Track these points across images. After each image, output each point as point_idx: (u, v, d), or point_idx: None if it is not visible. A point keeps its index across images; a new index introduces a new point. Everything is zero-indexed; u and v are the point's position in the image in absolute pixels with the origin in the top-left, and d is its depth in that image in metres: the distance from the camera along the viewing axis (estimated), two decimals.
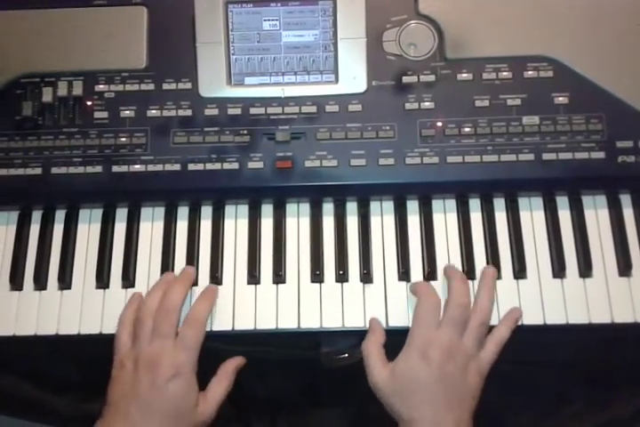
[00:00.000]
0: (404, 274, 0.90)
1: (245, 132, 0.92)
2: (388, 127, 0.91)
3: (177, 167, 0.91)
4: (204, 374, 0.84)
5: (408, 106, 0.92)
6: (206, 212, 0.94)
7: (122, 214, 0.94)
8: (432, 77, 0.92)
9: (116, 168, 0.91)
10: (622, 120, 0.90)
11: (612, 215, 0.91)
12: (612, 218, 0.91)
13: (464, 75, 0.92)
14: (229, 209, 0.94)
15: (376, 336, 0.86)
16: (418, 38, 0.92)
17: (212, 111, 0.92)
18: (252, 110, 0.92)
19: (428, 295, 0.84)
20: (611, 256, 0.90)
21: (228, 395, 0.85)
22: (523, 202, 0.93)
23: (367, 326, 0.87)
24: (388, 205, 0.93)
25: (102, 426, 0.80)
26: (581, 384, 0.95)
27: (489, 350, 0.83)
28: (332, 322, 0.88)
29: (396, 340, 0.85)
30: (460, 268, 0.89)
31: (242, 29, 0.93)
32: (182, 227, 0.94)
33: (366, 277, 0.90)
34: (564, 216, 0.92)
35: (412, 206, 0.93)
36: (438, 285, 0.88)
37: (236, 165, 0.91)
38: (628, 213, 0.91)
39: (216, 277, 0.90)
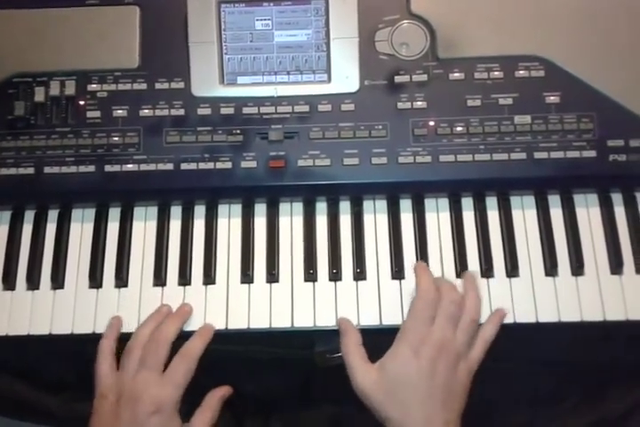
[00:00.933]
0: (397, 273, 0.90)
1: (238, 131, 0.92)
2: (380, 126, 0.92)
3: (170, 167, 0.91)
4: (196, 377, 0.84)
5: (400, 105, 0.92)
6: (199, 211, 0.94)
7: (115, 214, 0.94)
8: (424, 77, 0.92)
9: (108, 168, 0.91)
10: (613, 119, 0.91)
11: (604, 214, 0.92)
12: (603, 216, 0.92)
13: (456, 74, 0.92)
14: (222, 208, 0.94)
15: (351, 337, 0.85)
16: (410, 38, 0.93)
17: (204, 111, 0.92)
18: (245, 110, 0.92)
19: (428, 291, 0.84)
20: (602, 254, 0.90)
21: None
22: (515, 201, 0.93)
23: (361, 324, 0.87)
24: (381, 204, 0.94)
25: None
26: (575, 382, 0.95)
27: (477, 349, 0.83)
28: (326, 321, 0.88)
29: (389, 338, 0.85)
30: (452, 266, 0.90)
31: (234, 29, 0.93)
32: (175, 226, 0.94)
33: (360, 276, 0.90)
34: (556, 215, 0.92)
35: (405, 205, 0.93)
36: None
37: (228, 165, 0.91)
38: (620, 212, 0.92)
39: (209, 277, 0.90)
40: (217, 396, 0.86)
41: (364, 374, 0.81)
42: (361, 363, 0.82)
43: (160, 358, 0.83)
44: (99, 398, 0.82)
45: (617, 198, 0.93)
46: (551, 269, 0.89)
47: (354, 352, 0.83)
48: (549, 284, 0.89)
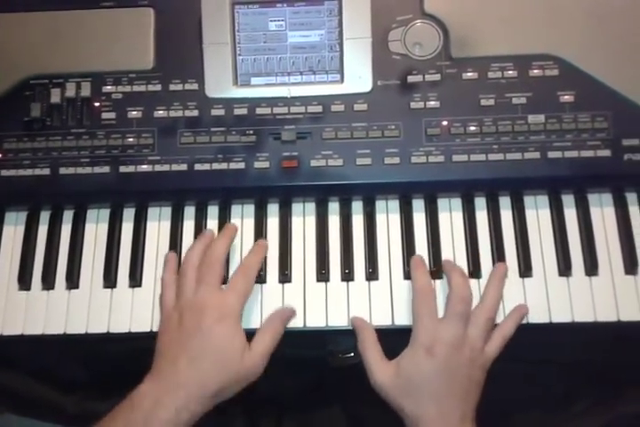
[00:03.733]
0: (409, 273, 0.89)
1: (251, 132, 0.92)
2: (393, 126, 0.91)
3: (184, 167, 0.92)
4: None
5: (413, 105, 0.92)
6: (213, 211, 0.95)
7: (129, 214, 0.95)
8: (437, 76, 0.92)
9: (123, 168, 0.92)
10: (628, 118, 0.90)
11: (618, 213, 0.91)
12: (617, 216, 0.91)
13: (469, 74, 0.92)
14: (236, 208, 0.95)
15: (367, 334, 0.85)
16: (423, 38, 0.93)
17: (218, 111, 0.93)
18: (259, 110, 0.93)
19: (423, 287, 0.84)
20: (617, 254, 0.90)
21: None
22: (528, 200, 0.93)
23: (373, 324, 0.87)
24: (394, 204, 0.94)
25: (150, 376, 0.80)
26: (588, 383, 0.94)
27: (494, 344, 0.83)
28: (338, 321, 0.88)
29: (403, 338, 0.85)
30: (465, 266, 0.89)
31: (248, 30, 0.93)
32: (189, 226, 0.94)
33: (372, 276, 0.90)
34: (570, 214, 0.92)
35: (418, 205, 0.93)
36: (444, 283, 0.88)
37: (242, 165, 0.91)
38: (634, 211, 0.91)
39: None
40: (278, 315, 0.86)
41: (381, 370, 0.82)
42: (378, 360, 0.83)
43: (217, 274, 0.85)
44: (164, 321, 0.84)
45: (632, 198, 0.92)
46: (565, 269, 0.89)
47: (371, 349, 0.84)
48: (563, 284, 0.89)
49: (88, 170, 0.92)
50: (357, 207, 0.94)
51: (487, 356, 0.83)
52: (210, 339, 0.80)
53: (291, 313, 0.87)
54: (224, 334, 0.81)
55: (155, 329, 0.88)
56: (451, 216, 0.93)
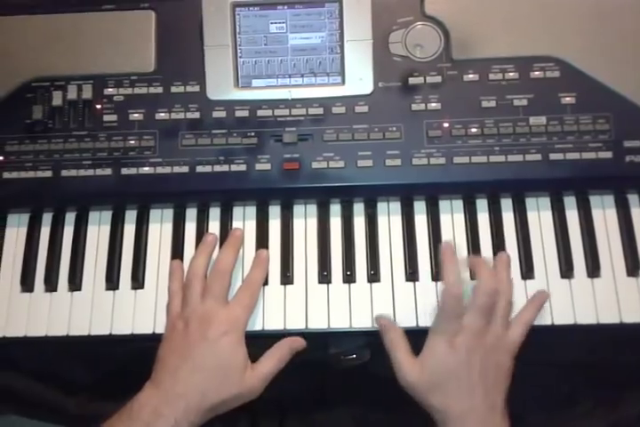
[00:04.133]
0: (411, 275, 0.90)
1: (253, 134, 0.92)
2: (394, 128, 0.91)
3: (185, 169, 0.92)
4: None
5: (414, 107, 0.92)
6: (214, 213, 0.95)
7: (131, 216, 0.95)
8: (438, 78, 0.92)
9: (125, 171, 0.92)
10: (629, 120, 0.90)
11: (620, 215, 0.91)
12: (619, 218, 0.91)
13: (470, 75, 0.92)
14: (237, 210, 0.95)
15: (394, 332, 0.84)
16: (424, 39, 0.93)
17: (219, 114, 0.93)
18: (260, 112, 0.93)
19: (454, 285, 0.83)
20: (619, 256, 0.90)
21: None
22: (530, 202, 0.93)
23: (375, 326, 0.86)
24: (396, 206, 0.94)
25: (150, 384, 0.80)
26: (590, 384, 0.94)
27: (516, 330, 0.83)
28: (340, 323, 0.88)
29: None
30: (467, 268, 0.89)
31: (249, 32, 0.94)
32: (191, 228, 0.94)
33: (373, 278, 0.90)
34: (572, 216, 0.92)
35: (420, 207, 0.93)
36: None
37: (243, 167, 0.91)
38: (636, 213, 0.91)
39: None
40: (287, 343, 0.86)
41: (409, 368, 0.82)
42: (406, 357, 0.82)
43: (224, 286, 0.85)
44: (168, 328, 0.84)
45: (633, 200, 0.92)
46: (567, 271, 0.89)
47: (399, 347, 0.83)
48: (565, 286, 0.89)
49: (90, 172, 0.92)
50: (359, 209, 0.94)
51: (511, 340, 0.82)
52: (214, 351, 0.80)
53: (300, 344, 0.86)
54: (229, 348, 0.81)
55: (157, 331, 0.89)
56: (452, 218, 0.93)
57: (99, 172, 0.92)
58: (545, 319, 0.87)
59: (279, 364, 0.84)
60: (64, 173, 0.92)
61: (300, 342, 0.86)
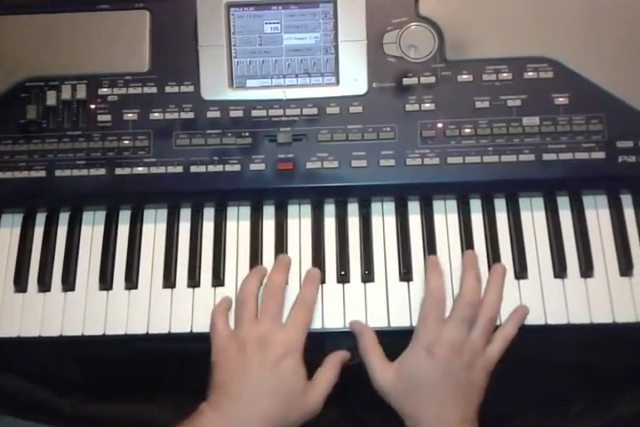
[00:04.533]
0: (405, 274, 0.90)
1: (247, 134, 0.92)
2: (388, 128, 0.92)
3: (179, 169, 0.92)
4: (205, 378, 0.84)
5: (409, 107, 0.92)
6: (209, 213, 0.95)
7: (125, 216, 0.95)
8: (432, 79, 0.92)
9: (119, 170, 0.92)
10: (622, 120, 0.90)
11: (613, 215, 0.92)
12: (612, 218, 0.91)
13: (464, 76, 0.92)
14: (231, 211, 0.95)
15: (368, 336, 0.85)
16: (418, 40, 0.93)
17: (214, 114, 0.93)
18: (254, 112, 0.93)
19: (435, 291, 0.84)
20: (612, 256, 0.90)
21: None
22: (523, 202, 0.93)
23: (369, 325, 0.87)
24: (390, 206, 0.94)
25: (211, 409, 0.80)
26: (584, 384, 0.94)
27: (496, 346, 0.83)
28: (334, 323, 0.88)
29: (398, 340, 0.85)
30: (460, 268, 0.89)
31: (243, 32, 0.94)
32: (185, 228, 0.94)
33: (368, 278, 0.90)
34: (565, 216, 0.92)
35: (413, 207, 0.93)
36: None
37: (237, 167, 0.91)
38: (629, 213, 0.91)
39: (219, 279, 0.91)
40: (338, 357, 0.86)
41: (382, 372, 0.83)
42: (379, 362, 0.83)
43: (280, 306, 0.85)
44: (218, 352, 0.83)
45: (626, 200, 0.92)
46: (560, 271, 0.89)
47: (372, 351, 0.84)
48: (558, 286, 0.89)
49: (84, 172, 0.92)
50: (353, 209, 0.94)
51: (489, 358, 0.83)
52: (275, 375, 0.80)
53: (347, 356, 0.87)
54: (289, 371, 0.81)
55: (151, 331, 0.89)
56: (446, 218, 0.93)
57: (93, 172, 0.92)
58: (538, 319, 0.87)
59: (334, 379, 0.85)
60: (58, 172, 0.92)
61: (347, 355, 0.87)
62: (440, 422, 0.79)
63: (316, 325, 0.88)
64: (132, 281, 0.91)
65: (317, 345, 0.89)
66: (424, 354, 0.81)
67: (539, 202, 0.93)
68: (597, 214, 0.92)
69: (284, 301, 0.86)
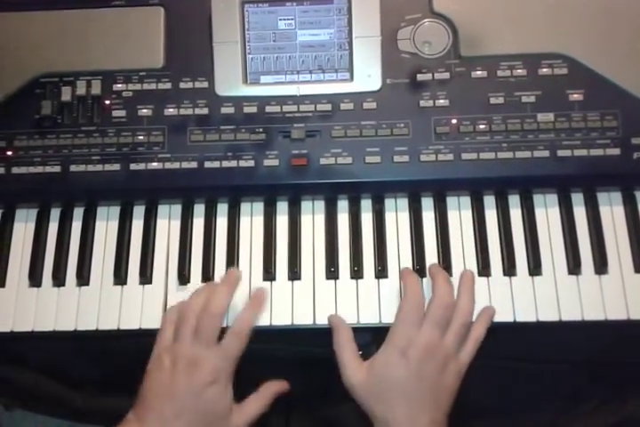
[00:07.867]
0: (418, 271, 0.90)
1: (261, 130, 0.93)
2: (402, 125, 0.92)
3: (194, 165, 0.92)
4: None
5: (422, 103, 0.92)
6: (222, 209, 0.95)
7: (139, 212, 0.95)
8: (446, 75, 0.92)
9: (133, 166, 0.92)
10: (637, 117, 0.90)
11: (628, 212, 0.91)
12: (627, 214, 0.91)
13: (478, 72, 0.92)
14: (245, 206, 0.95)
15: (343, 333, 0.85)
16: (432, 36, 0.93)
17: (228, 110, 0.93)
18: (268, 108, 0.93)
19: (414, 293, 0.84)
20: (626, 253, 0.89)
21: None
22: (538, 199, 0.93)
23: (382, 322, 0.87)
24: (403, 202, 0.94)
25: (135, 416, 0.80)
26: (597, 382, 0.94)
27: (467, 350, 0.83)
28: (348, 318, 0.88)
29: None
30: (474, 265, 0.89)
31: (258, 29, 0.94)
32: (198, 224, 0.94)
33: (381, 274, 0.90)
34: (580, 213, 0.92)
35: (427, 203, 0.93)
36: (454, 281, 0.87)
37: (251, 163, 0.92)
38: None
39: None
40: (274, 387, 0.86)
41: (353, 370, 0.82)
42: (351, 360, 0.83)
43: (216, 329, 0.83)
44: (155, 360, 0.83)
45: None
46: (574, 267, 0.89)
47: (345, 348, 0.84)
48: (572, 282, 0.88)
49: (98, 167, 0.93)
50: (366, 205, 0.94)
51: (461, 362, 0.82)
52: (199, 399, 0.80)
53: (284, 388, 0.86)
54: (215, 397, 0.80)
55: None
56: (460, 214, 0.93)
57: (107, 167, 0.93)
58: (553, 316, 0.87)
59: (263, 408, 0.84)
60: (73, 168, 0.93)
61: (284, 386, 0.86)
62: (409, 424, 0.78)
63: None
64: (146, 276, 0.92)
65: (330, 341, 0.89)
66: (397, 355, 0.80)
67: (553, 198, 0.93)
68: (612, 211, 0.92)
69: (220, 325, 0.83)
